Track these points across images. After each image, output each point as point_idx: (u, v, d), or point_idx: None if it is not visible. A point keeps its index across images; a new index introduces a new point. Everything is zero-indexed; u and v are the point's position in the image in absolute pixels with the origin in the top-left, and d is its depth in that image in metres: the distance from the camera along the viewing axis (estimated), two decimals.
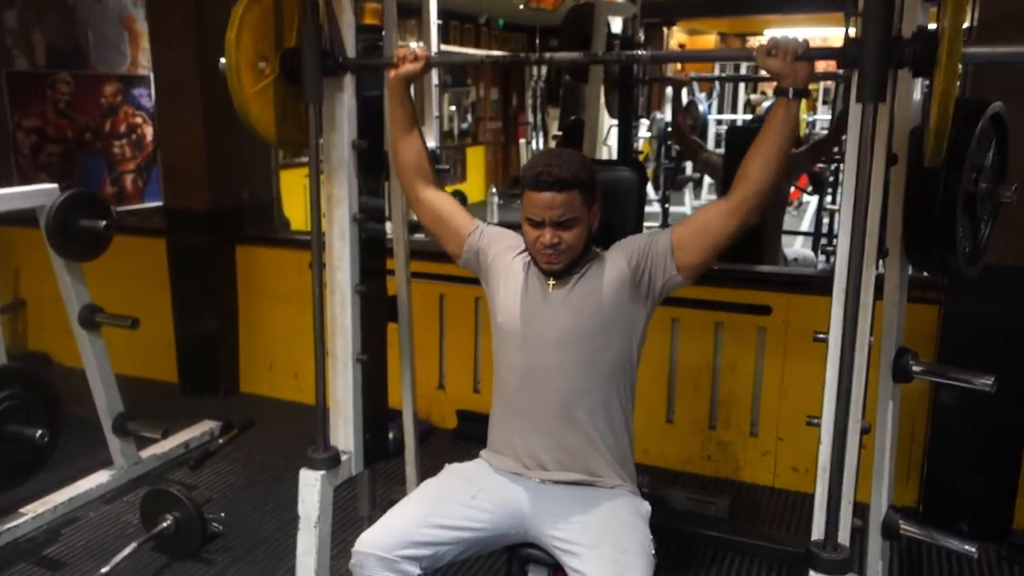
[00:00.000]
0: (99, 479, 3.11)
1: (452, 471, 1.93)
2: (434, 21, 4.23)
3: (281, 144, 2.16)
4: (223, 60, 1.94)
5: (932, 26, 1.49)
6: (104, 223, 2.81)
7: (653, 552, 1.71)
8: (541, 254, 1.77)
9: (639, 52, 3.57)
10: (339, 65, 2.02)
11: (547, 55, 2.01)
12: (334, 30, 2.01)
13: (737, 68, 12.12)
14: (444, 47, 5.55)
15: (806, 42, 1.55)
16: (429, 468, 1.98)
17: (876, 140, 1.47)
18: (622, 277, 1.78)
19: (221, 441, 3.55)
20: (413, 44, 8.31)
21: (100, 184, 5.47)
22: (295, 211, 4.36)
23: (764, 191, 1.64)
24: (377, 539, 1.72)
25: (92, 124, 5.41)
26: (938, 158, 1.44)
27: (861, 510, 1.72)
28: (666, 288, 1.79)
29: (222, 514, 2.90)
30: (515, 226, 1.93)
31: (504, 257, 1.90)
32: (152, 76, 4.10)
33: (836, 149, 3.91)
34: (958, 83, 1.37)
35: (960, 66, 1.36)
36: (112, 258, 2.98)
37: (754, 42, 13.35)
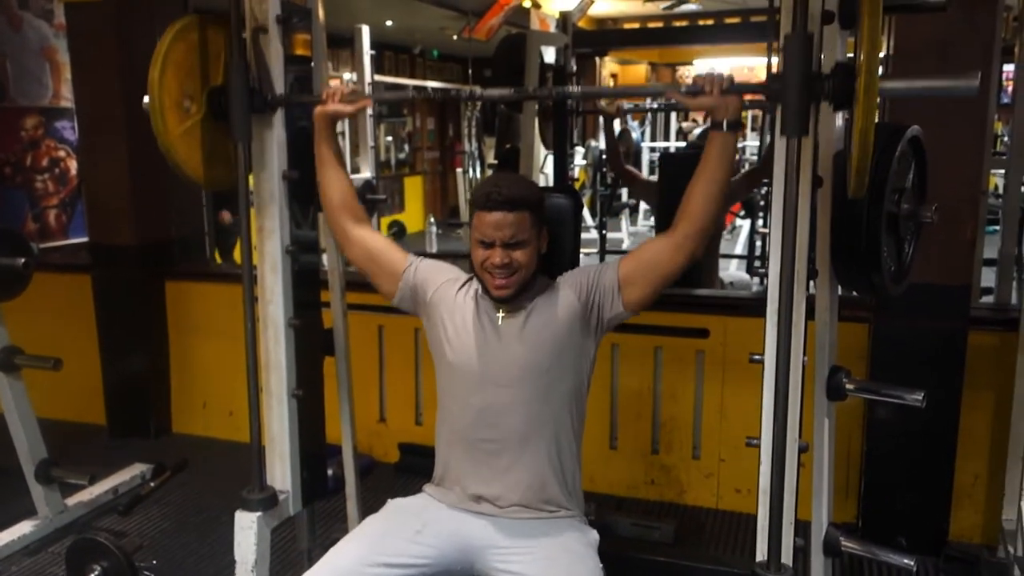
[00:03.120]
0: (21, 530, 2.94)
1: (395, 507, 1.89)
2: (367, 52, 4.21)
3: (209, 185, 2.10)
4: (147, 99, 1.89)
5: (851, 54, 1.54)
6: (23, 260, 2.70)
7: None
8: (492, 275, 1.75)
9: (570, 88, 3.62)
10: (267, 104, 1.98)
11: (478, 91, 2.02)
12: (261, 67, 1.98)
13: (668, 97, 12.39)
14: (378, 77, 5.54)
15: (731, 77, 1.60)
16: (371, 504, 1.93)
17: (801, 167, 1.51)
18: (572, 311, 1.78)
19: (153, 484, 3.41)
20: (347, 75, 8.28)
21: (21, 220, 5.26)
22: None
23: (708, 226, 1.67)
24: None
25: (12, 158, 5.22)
26: (860, 192, 1.49)
27: (803, 528, 1.74)
28: (613, 321, 1.80)
29: (154, 562, 2.78)
30: (455, 255, 1.92)
31: (447, 291, 1.87)
32: (75, 108, 3.98)
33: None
34: (876, 119, 1.41)
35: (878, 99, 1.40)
36: (34, 297, 2.86)
37: (683, 73, 13.71)
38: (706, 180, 1.65)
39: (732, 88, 1.59)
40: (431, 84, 11.27)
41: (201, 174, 2.03)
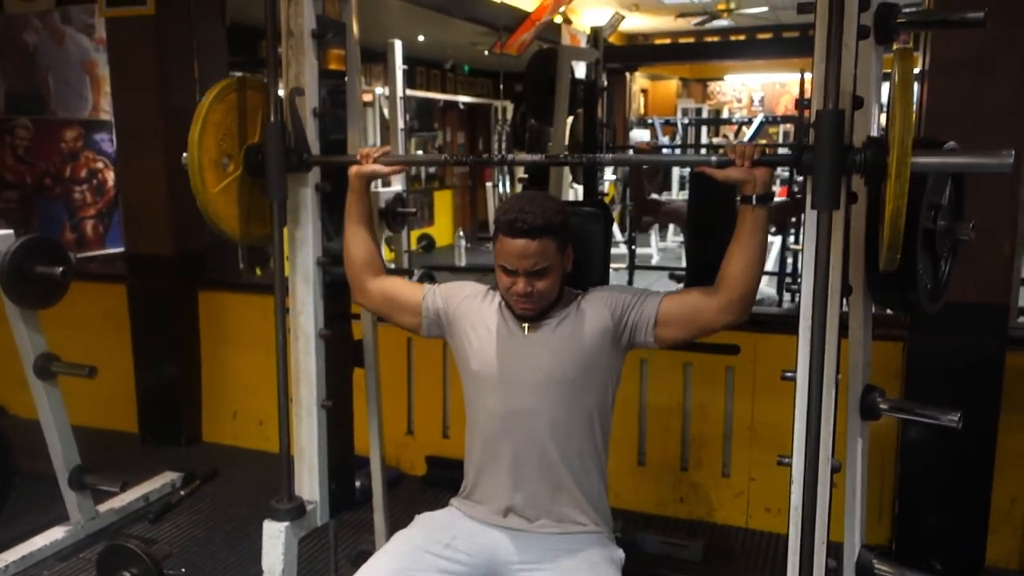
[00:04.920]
0: (54, 535, 2.99)
1: (423, 520, 1.89)
2: (399, 66, 4.26)
3: (245, 240, 2.15)
4: (185, 156, 1.94)
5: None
6: (61, 269, 2.75)
7: None
8: (515, 302, 1.76)
9: (602, 156, 3.71)
10: (303, 163, 2.02)
11: (509, 156, 2.04)
12: (297, 128, 2.02)
13: (699, 113, 12.37)
14: (410, 92, 5.59)
15: (762, 148, 1.60)
16: (398, 516, 1.94)
17: (833, 236, 1.50)
18: (604, 326, 1.78)
19: (183, 493, 3.45)
20: (379, 90, 8.36)
21: (60, 230, 5.39)
22: None
23: (749, 292, 1.67)
24: None
25: (52, 170, 5.34)
26: (892, 266, 1.48)
27: (835, 550, 1.71)
28: (639, 346, 1.81)
29: (183, 569, 2.81)
30: (484, 270, 1.92)
31: (468, 305, 1.88)
32: (113, 121, 4.06)
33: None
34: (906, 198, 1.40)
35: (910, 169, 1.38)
36: (71, 305, 2.91)
37: (714, 88, 13.67)
38: (741, 250, 1.65)
39: (761, 160, 1.59)
40: (462, 99, 11.34)
41: (238, 230, 2.08)
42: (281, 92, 2.02)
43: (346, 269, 2.00)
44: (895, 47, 1.44)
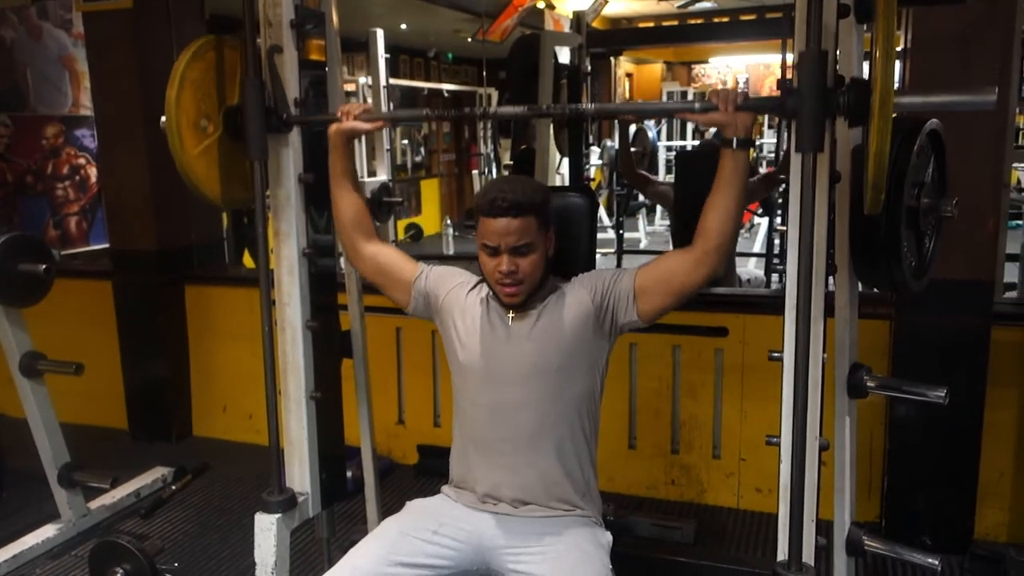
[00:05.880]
0: (45, 533, 2.98)
1: (413, 507, 1.89)
2: (382, 55, 4.24)
3: (226, 204, 2.12)
4: (164, 119, 1.90)
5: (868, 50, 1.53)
6: (44, 267, 2.73)
7: None
8: (500, 284, 1.75)
9: (584, 106, 3.64)
10: (283, 122, 1.99)
11: (491, 110, 2.03)
12: (276, 86, 1.98)
13: (684, 96, 12.36)
14: (393, 81, 5.56)
15: (744, 93, 1.59)
16: (391, 506, 1.94)
17: (817, 179, 1.49)
18: (585, 312, 1.77)
19: (174, 488, 3.44)
20: (362, 79, 8.31)
21: (43, 227, 5.34)
22: None
23: (726, 242, 1.66)
24: None
25: (33, 166, 5.29)
26: (876, 209, 1.49)
27: (825, 528, 1.72)
28: (626, 327, 1.79)
29: (176, 564, 2.80)
30: (471, 257, 1.92)
31: (457, 294, 1.88)
32: (94, 116, 4.02)
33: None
34: (890, 134, 1.39)
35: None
36: (56, 303, 2.89)
37: (699, 71, 13.66)
38: (720, 198, 1.64)
39: (745, 105, 1.58)
40: (446, 87, 11.30)
41: (219, 193, 2.05)
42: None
43: (338, 233, 2.00)
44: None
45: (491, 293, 1.82)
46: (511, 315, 1.80)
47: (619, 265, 5.51)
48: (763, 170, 7.13)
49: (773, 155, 8.29)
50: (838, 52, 1.57)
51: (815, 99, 1.43)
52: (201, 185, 1.99)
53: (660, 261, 1.77)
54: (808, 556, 1.57)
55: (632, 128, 9.65)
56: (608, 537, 1.82)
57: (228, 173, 2.04)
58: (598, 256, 2.25)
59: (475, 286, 1.89)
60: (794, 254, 1.55)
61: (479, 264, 1.80)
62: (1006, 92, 2.56)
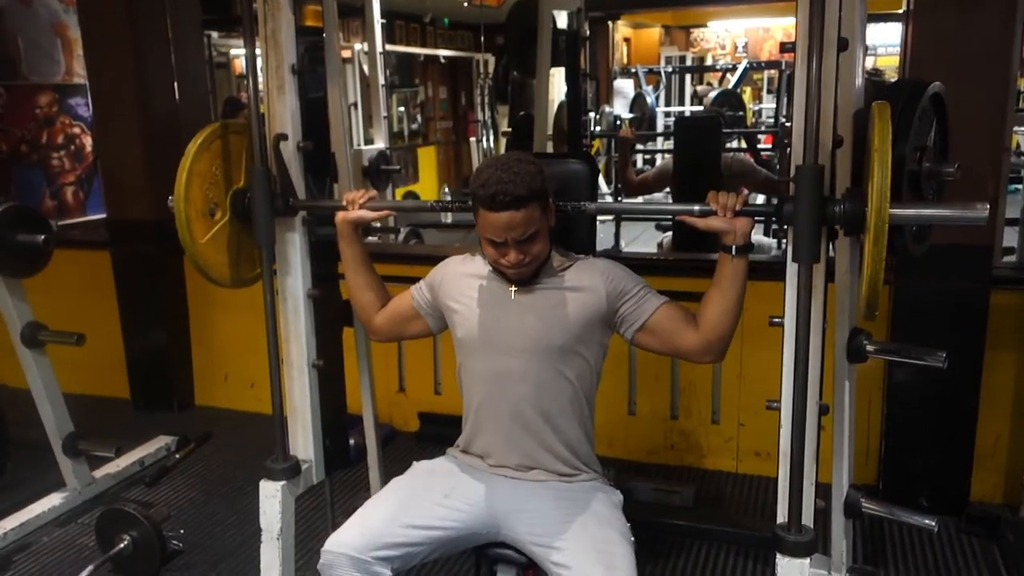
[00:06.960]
0: (51, 502, 3.01)
1: (421, 469, 1.91)
2: (377, 21, 4.17)
3: (236, 285, 2.15)
4: (171, 200, 1.93)
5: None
6: (43, 237, 2.72)
7: (632, 539, 1.71)
8: (508, 269, 1.75)
9: (583, 204, 3.64)
10: (290, 207, 2.02)
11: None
12: (282, 171, 2.01)
13: (683, 60, 12.24)
14: (389, 47, 5.49)
15: (744, 198, 1.62)
16: (393, 473, 1.95)
17: (821, 124, 1.49)
18: (598, 306, 1.77)
19: (178, 456, 3.47)
20: (357, 46, 8.21)
21: (39, 198, 5.30)
22: None
23: (727, 335, 1.73)
24: (349, 539, 1.69)
25: (27, 136, 5.24)
26: (871, 316, 1.52)
27: (824, 491, 1.74)
28: (615, 332, 1.83)
29: (181, 531, 2.84)
30: (470, 226, 1.91)
31: (449, 279, 1.89)
32: (88, 85, 3.97)
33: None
34: (886, 245, 1.41)
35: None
36: (55, 273, 2.89)
37: (697, 35, 13.50)
38: (719, 298, 1.69)
39: (744, 211, 1.60)
40: (443, 52, 11.17)
41: (228, 276, 2.09)
42: (261, 133, 1.98)
43: (357, 313, 2.04)
44: (873, 103, 1.46)
45: (492, 268, 1.82)
46: (513, 288, 1.80)
47: (617, 232, 5.50)
48: (761, 137, 7.09)
49: (772, 120, 8.23)
50: (840, 15, 1.55)
51: (811, 211, 1.48)
52: (211, 270, 2.04)
53: (679, 317, 1.77)
54: (807, 519, 1.60)
55: (631, 93, 9.58)
56: (619, 496, 1.85)
57: (237, 254, 2.10)
58: (598, 223, 2.24)
59: (465, 259, 1.90)
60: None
61: (481, 251, 1.79)
62: (1008, 54, 2.54)
